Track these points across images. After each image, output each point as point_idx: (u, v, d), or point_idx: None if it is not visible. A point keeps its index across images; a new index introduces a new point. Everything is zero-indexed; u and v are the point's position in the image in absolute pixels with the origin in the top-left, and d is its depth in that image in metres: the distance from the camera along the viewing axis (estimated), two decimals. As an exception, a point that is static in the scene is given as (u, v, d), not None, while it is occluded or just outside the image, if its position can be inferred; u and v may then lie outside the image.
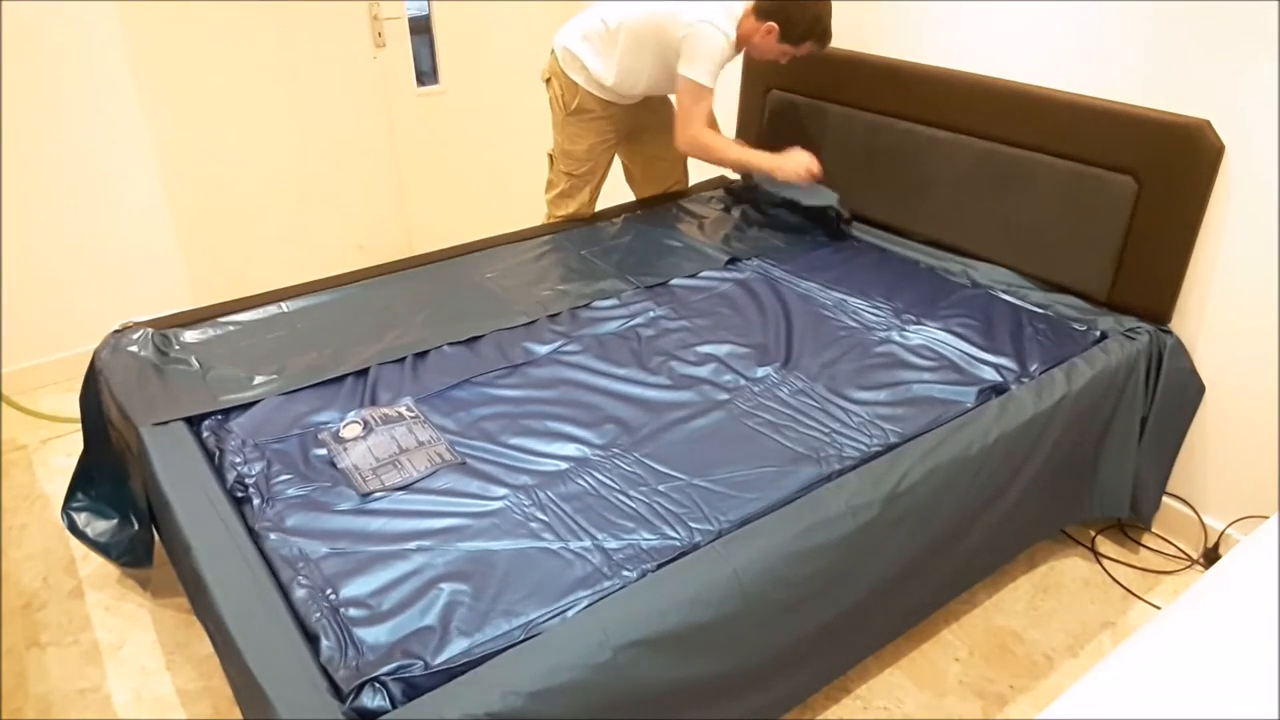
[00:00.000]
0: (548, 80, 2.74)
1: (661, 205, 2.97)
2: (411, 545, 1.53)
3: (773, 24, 2.42)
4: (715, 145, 2.63)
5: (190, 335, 2.17)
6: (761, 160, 2.60)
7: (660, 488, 1.67)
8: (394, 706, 1.25)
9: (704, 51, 2.43)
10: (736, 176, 3.16)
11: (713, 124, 2.79)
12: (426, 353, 2.11)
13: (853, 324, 2.23)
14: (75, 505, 2.16)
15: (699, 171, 3.22)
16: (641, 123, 2.85)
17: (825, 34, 2.47)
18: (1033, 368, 2.02)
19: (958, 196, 2.50)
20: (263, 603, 1.42)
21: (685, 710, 1.47)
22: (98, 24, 2.73)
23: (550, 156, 2.83)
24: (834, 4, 2.46)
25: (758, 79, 2.96)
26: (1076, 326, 2.19)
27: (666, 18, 2.46)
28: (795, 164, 2.57)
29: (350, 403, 1.93)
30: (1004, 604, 2.14)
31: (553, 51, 2.70)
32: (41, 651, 2.02)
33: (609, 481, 1.69)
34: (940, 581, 1.88)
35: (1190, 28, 2.00)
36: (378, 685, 1.26)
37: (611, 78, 2.61)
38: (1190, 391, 2.17)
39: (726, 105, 3.13)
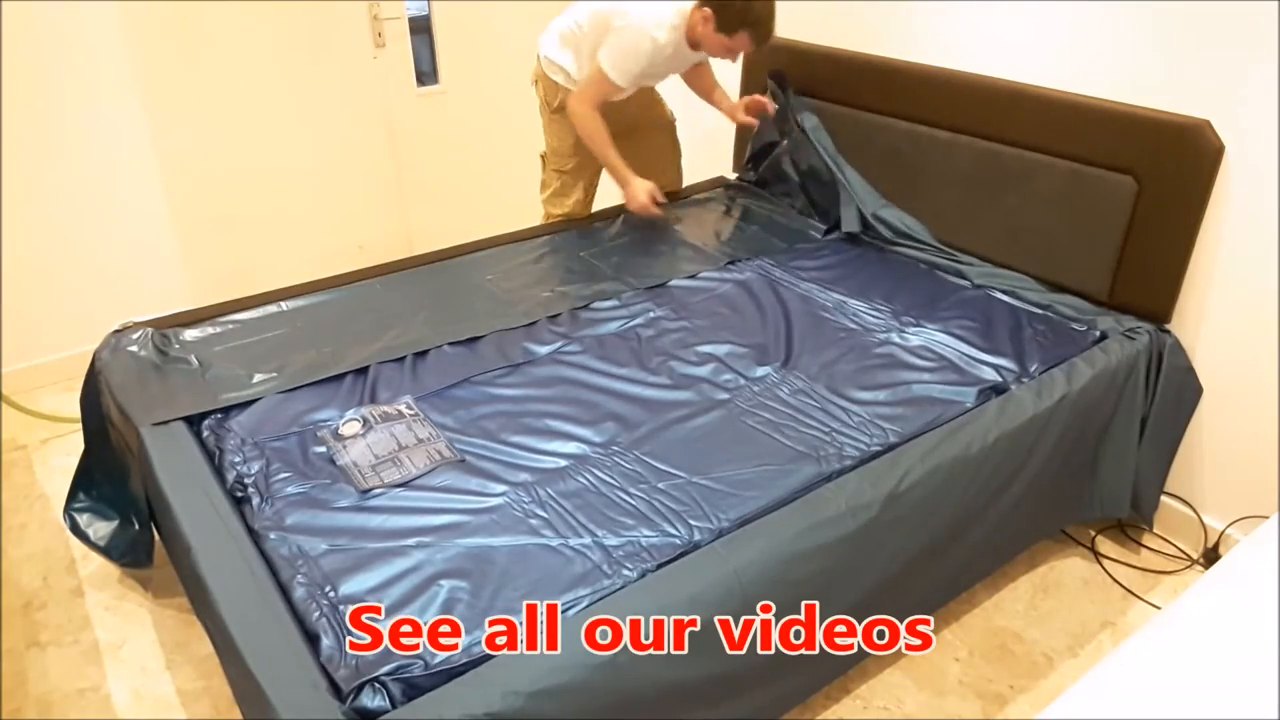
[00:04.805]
0: (535, 83, 2.76)
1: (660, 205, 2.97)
2: (411, 542, 1.53)
3: (708, 10, 2.39)
4: (592, 130, 2.57)
5: (190, 335, 2.18)
6: (618, 172, 2.65)
7: (660, 485, 1.67)
8: (394, 706, 1.25)
9: (620, 47, 2.42)
10: (734, 176, 3.16)
11: (713, 85, 2.82)
12: (426, 352, 2.11)
13: (852, 325, 2.23)
14: (77, 506, 2.16)
15: (699, 172, 3.22)
16: (631, 121, 2.83)
17: (758, 24, 2.38)
18: (1032, 368, 2.02)
19: (958, 196, 2.50)
20: (263, 603, 1.42)
21: (685, 710, 1.47)
22: (98, 24, 2.73)
23: (542, 157, 2.85)
24: (835, 4, 2.46)
25: (758, 79, 2.96)
26: (1076, 326, 2.19)
27: (611, 13, 2.45)
28: (641, 191, 2.64)
29: (350, 401, 1.94)
30: (1004, 604, 2.14)
31: (538, 55, 2.71)
32: (41, 651, 2.02)
33: (609, 479, 1.69)
34: (940, 581, 1.88)
35: (1190, 28, 2.00)
36: (378, 685, 1.26)
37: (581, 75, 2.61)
38: (1189, 391, 2.17)
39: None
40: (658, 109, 2.90)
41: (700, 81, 2.84)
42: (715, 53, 2.50)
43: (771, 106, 2.79)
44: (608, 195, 2.98)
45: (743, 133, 3.08)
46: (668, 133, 2.97)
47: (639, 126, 2.87)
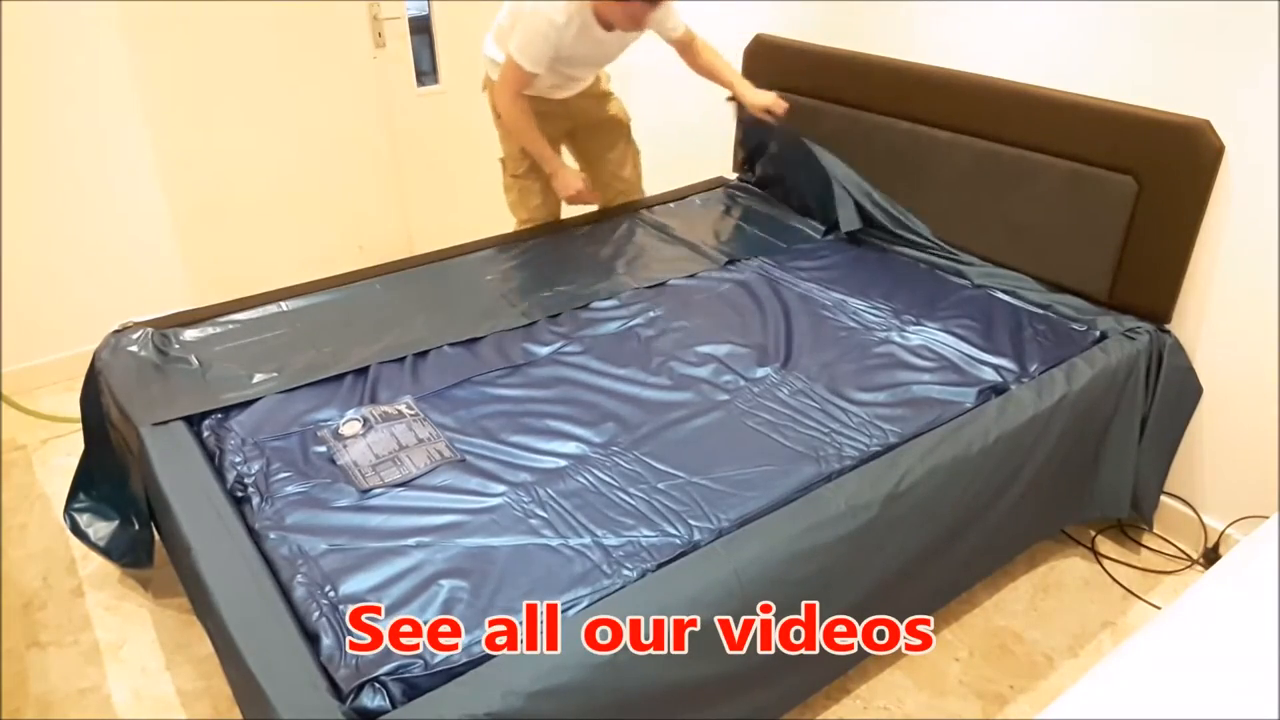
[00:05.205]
0: (485, 89, 2.73)
1: (660, 205, 2.97)
2: (411, 541, 1.53)
3: None
4: (515, 118, 2.56)
5: (190, 335, 2.18)
6: (547, 161, 2.64)
7: (660, 486, 1.67)
8: (394, 706, 1.25)
9: (524, 33, 2.38)
10: (735, 176, 3.16)
11: (705, 62, 2.71)
12: (426, 352, 2.11)
13: (852, 324, 2.23)
14: (77, 506, 2.16)
15: (699, 172, 3.23)
16: (580, 120, 2.80)
17: None
18: (1032, 368, 2.02)
19: (958, 196, 2.50)
20: (263, 603, 1.42)
21: (685, 710, 1.47)
22: (97, 23, 2.73)
23: (501, 162, 2.81)
24: (835, 4, 2.45)
25: (758, 79, 2.96)
26: (1076, 326, 2.19)
27: (521, 3, 2.41)
28: (574, 178, 2.66)
29: (350, 401, 1.94)
30: (1004, 604, 2.14)
31: (484, 60, 2.68)
32: (41, 651, 2.02)
33: (609, 479, 1.69)
34: (940, 581, 1.88)
35: (1190, 28, 2.00)
36: (378, 685, 1.26)
37: None
38: (1189, 391, 2.17)
39: (726, 105, 3.13)
40: (609, 107, 2.84)
41: (697, 61, 2.73)
42: (622, 25, 2.42)
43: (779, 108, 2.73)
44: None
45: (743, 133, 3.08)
46: (622, 132, 2.90)
47: (589, 125, 2.83)
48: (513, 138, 2.64)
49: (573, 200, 2.72)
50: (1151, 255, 2.15)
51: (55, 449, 2.68)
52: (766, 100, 2.71)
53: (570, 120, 2.79)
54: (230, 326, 2.22)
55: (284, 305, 2.32)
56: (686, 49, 2.73)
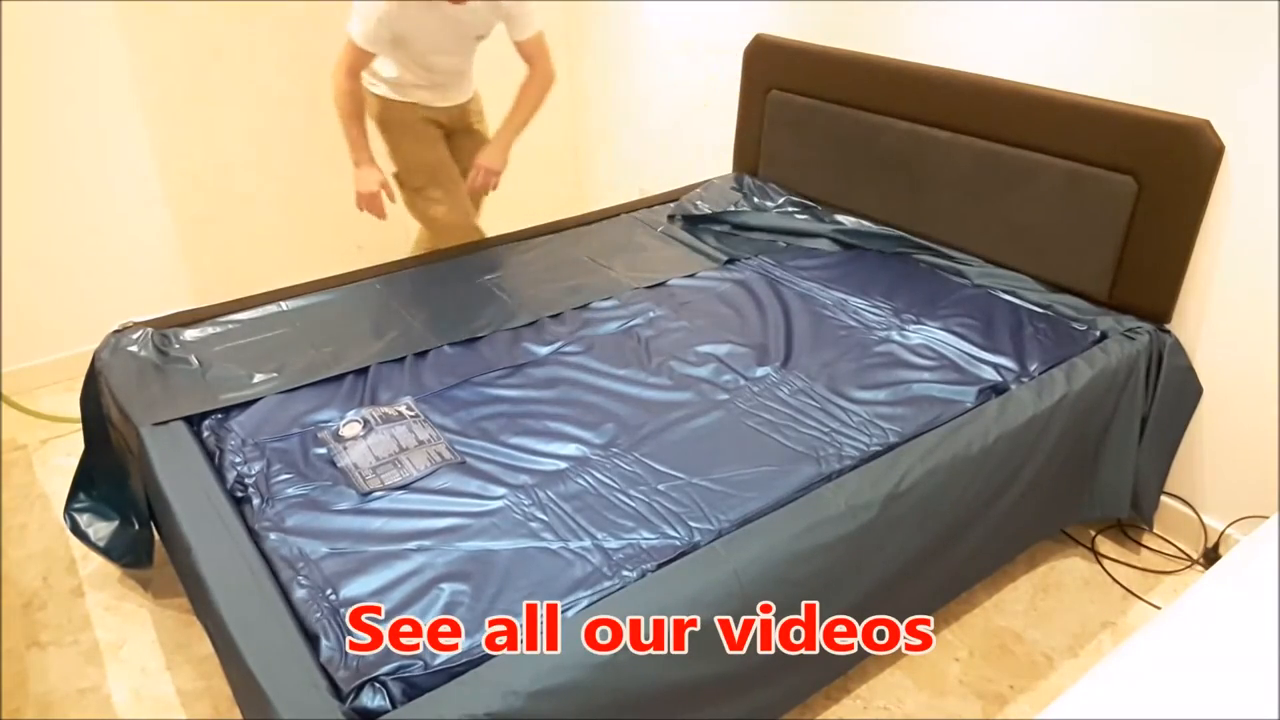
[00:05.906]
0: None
1: (660, 205, 2.97)
2: (411, 545, 1.53)
3: None
4: (345, 103, 2.46)
5: (190, 335, 2.18)
6: (355, 150, 2.53)
7: (660, 487, 1.67)
8: (394, 706, 1.25)
9: (360, 9, 2.32)
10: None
11: (519, 93, 2.63)
12: (426, 352, 2.11)
13: (852, 323, 2.23)
14: (77, 506, 2.16)
15: (699, 172, 3.22)
16: (457, 125, 2.74)
17: None
18: (1033, 367, 2.02)
19: (958, 196, 2.50)
20: (263, 603, 1.42)
21: (685, 710, 1.47)
22: (97, 23, 2.73)
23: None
24: (835, 4, 2.45)
25: (758, 79, 2.96)
26: (1076, 326, 2.19)
27: None
28: (371, 180, 2.53)
29: (350, 402, 1.94)
30: (1004, 604, 2.14)
31: None
32: (41, 651, 2.02)
33: (609, 481, 1.69)
34: (940, 581, 1.88)
35: (1190, 28, 2.00)
36: (378, 685, 1.27)
37: (389, 70, 2.51)
38: (1189, 391, 2.17)
39: (726, 105, 3.13)
40: (476, 123, 2.77)
41: (522, 84, 2.64)
42: None
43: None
44: (606, 196, 2.98)
45: (743, 133, 3.08)
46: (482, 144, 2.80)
47: (461, 129, 2.76)
48: (340, 114, 2.49)
49: (363, 201, 2.58)
50: (1151, 255, 2.15)
51: (55, 449, 2.68)
52: (486, 162, 2.62)
53: (450, 126, 2.72)
54: (230, 326, 2.22)
55: (284, 305, 2.32)
56: (528, 65, 2.61)
